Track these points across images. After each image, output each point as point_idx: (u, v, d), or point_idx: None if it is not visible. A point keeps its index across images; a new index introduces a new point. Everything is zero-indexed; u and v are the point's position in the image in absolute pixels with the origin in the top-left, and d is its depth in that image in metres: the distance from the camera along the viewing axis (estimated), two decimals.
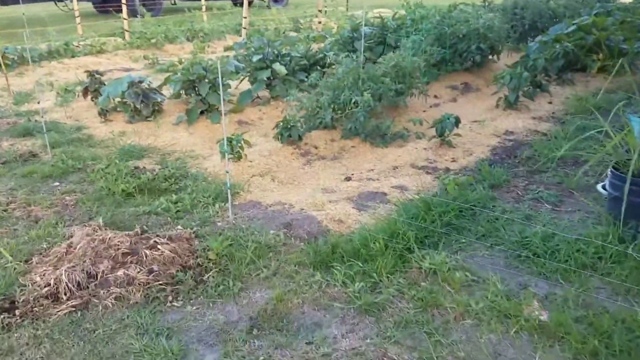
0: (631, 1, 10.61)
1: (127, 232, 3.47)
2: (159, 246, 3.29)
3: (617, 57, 7.60)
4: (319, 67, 7.61)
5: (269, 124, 6.26)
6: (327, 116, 5.63)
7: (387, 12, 16.77)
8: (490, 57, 7.95)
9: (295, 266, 3.21)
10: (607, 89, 7.12)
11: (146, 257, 3.20)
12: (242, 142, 4.92)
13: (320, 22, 12.36)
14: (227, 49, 11.24)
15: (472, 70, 7.78)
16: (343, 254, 3.23)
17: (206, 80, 6.07)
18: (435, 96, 7.11)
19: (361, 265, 3.13)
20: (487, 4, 10.19)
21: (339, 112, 5.75)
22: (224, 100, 6.17)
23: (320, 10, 12.38)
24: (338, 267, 3.11)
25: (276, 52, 6.96)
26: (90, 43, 10.95)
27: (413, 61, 6.48)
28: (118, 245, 3.29)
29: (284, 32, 12.22)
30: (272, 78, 6.89)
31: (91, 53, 10.57)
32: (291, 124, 5.30)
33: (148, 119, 6.10)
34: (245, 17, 9.86)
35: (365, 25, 8.92)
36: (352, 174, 4.76)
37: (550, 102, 6.61)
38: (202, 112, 6.23)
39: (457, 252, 3.33)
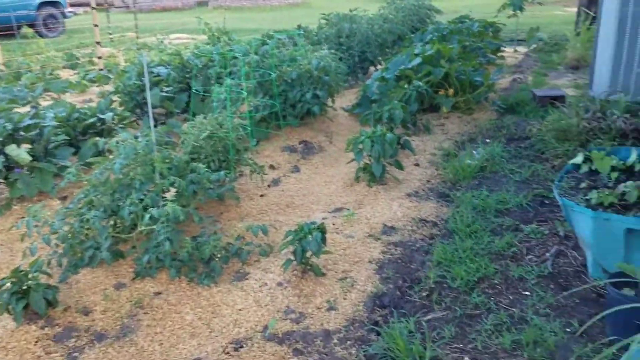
0: (450, 20, 9.98)
1: None
2: None
3: (467, 91, 6.52)
4: (95, 133, 5.12)
5: (4, 259, 3.61)
6: (102, 246, 3.23)
7: (187, 39, 14.49)
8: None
9: None
10: (469, 132, 5.93)
11: None
12: None
13: (100, 57, 9.58)
14: None
15: (308, 122, 5.99)
16: None
17: None
18: (272, 166, 5.13)
19: None
20: (302, 31, 8.61)
21: (126, 230, 3.42)
22: None
23: (98, 42, 9.60)
24: None
25: (11, 126, 4.26)
26: None
27: (236, 125, 4.42)
28: None
29: (50, 73, 9.19)
30: (9, 167, 4.22)
31: None
32: (30, 283, 2.80)
33: None
34: None
35: (159, 64, 6.63)
36: None
37: (417, 164, 5.09)
38: None
39: None
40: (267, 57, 5.69)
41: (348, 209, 4.17)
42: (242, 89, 5.16)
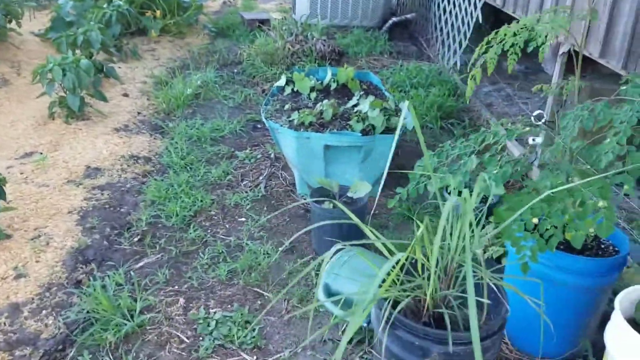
0: None
1: None
2: None
3: (176, 13, 6.12)
4: None
5: None
6: None
7: None
8: (9, 25, 5.10)
9: None
10: (182, 57, 5.61)
11: None
12: None
13: None
14: None
15: None
16: None
17: None
18: None
19: None
20: None
21: None
22: None
23: None
24: None
25: None
26: None
27: None
28: None
29: None
30: None
31: None
32: None
33: None
34: None
35: None
36: None
37: (125, 95, 4.59)
38: None
39: None
40: None
41: (41, 153, 3.52)
42: None
